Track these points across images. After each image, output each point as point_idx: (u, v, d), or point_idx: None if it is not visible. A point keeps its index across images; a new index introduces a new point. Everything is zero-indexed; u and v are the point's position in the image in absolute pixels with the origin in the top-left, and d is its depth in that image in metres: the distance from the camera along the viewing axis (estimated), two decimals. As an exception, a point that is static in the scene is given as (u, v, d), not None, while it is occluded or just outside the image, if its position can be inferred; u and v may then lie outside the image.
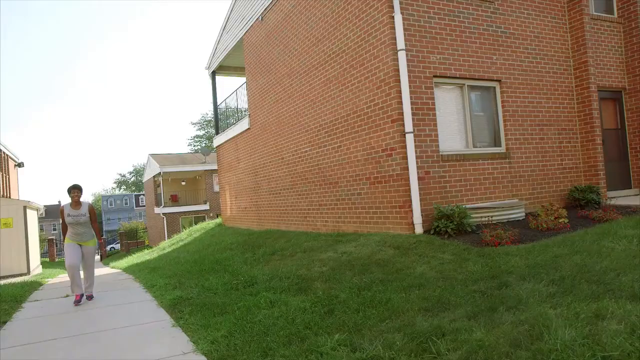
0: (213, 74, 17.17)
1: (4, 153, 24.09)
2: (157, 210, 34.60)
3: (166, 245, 17.54)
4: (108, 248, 52.23)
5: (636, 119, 10.07)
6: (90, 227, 6.92)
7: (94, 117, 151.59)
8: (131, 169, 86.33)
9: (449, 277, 4.87)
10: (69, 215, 6.72)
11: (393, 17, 7.40)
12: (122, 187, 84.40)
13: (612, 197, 9.42)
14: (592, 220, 7.30)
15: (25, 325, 5.73)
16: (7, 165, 25.40)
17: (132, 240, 41.05)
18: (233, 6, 14.56)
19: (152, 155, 36.35)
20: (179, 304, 5.88)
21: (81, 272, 7.00)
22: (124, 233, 40.40)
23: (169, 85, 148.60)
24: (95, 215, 6.94)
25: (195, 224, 21.67)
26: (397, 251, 6.15)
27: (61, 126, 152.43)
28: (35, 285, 9.48)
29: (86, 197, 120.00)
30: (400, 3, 7.49)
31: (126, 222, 54.32)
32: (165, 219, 33.01)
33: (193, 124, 59.52)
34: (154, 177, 35.78)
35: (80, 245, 6.84)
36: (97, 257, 39.51)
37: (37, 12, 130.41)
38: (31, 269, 14.95)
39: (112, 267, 16.06)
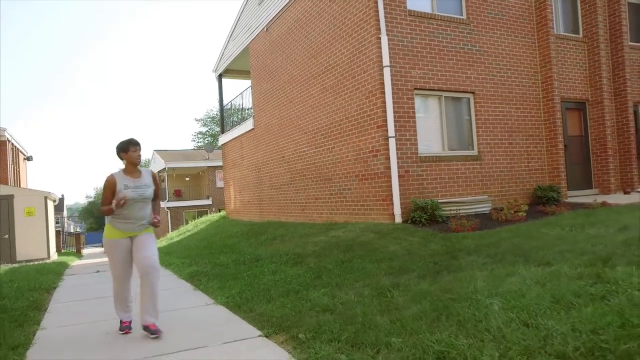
0: (220, 77, 18.44)
1: (15, 146, 25.37)
2: (161, 204, 35.88)
3: (174, 235, 18.84)
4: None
5: (597, 127, 11.35)
6: (150, 207, 4.43)
7: (97, 113, 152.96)
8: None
9: (413, 253, 6.17)
10: (126, 187, 4.14)
11: (380, 38, 8.68)
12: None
13: (573, 196, 10.71)
14: (546, 214, 8.59)
15: (72, 289, 7.03)
16: (18, 158, 26.68)
17: (135, 234, 42.27)
18: (240, 16, 15.82)
19: (157, 151, 37.65)
20: (196, 275, 7.17)
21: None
22: (128, 226, 41.73)
23: (174, 82, 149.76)
24: (159, 188, 4.56)
25: (199, 218, 22.96)
26: (377, 235, 7.45)
27: (65, 122, 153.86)
28: (65, 265, 10.79)
29: (89, 192, 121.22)
30: (386, 26, 8.77)
31: (129, 216, 55.49)
32: (169, 213, 34.31)
33: (197, 120, 60.72)
34: (158, 172, 37.07)
35: (131, 238, 4.31)
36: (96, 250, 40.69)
37: (40, 9, 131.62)
38: (50, 255, 16.25)
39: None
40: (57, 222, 74.39)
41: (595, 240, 5.88)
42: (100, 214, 4.44)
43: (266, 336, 3.92)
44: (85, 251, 39.90)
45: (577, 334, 3.06)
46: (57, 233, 35.75)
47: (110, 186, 4.16)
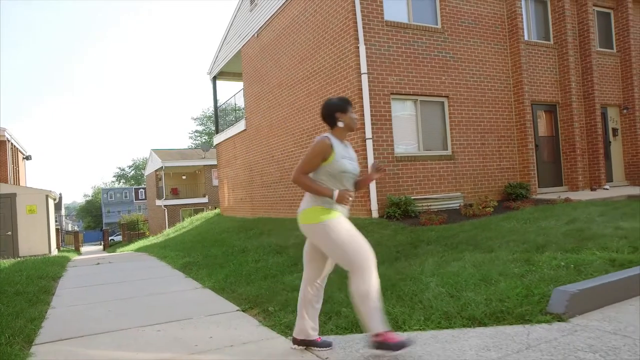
0: (214, 79, 19.13)
1: (14, 146, 26.00)
2: (158, 202, 36.60)
3: (170, 231, 19.57)
4: (109, 239, 54.25)
5: (567, 128, 12.09)
6: None
7: (93, 113, 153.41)
8: (130, 163, 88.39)
9: (381, 244, 6.91)
10: (343, 157, 3.15)
11: (358, 47, 9.40)
12: (122, 181, 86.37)
13: (543, 193, 11.45)
14: (511, 209, 9.32)
15: (76, 278, 7.76)
16: (17, 157, 27.34)
17: (133, 232, 43.07)
18: (233, 21, 16.52)
19: (155, 150, 38.34)
20: (188, 266, 7.90)
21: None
22: (125, 224, 42.44)
23: (171, 82, 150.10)
24: None
25: (195, 215, 23.68)
26: (352, 228, 8.19)
27: (61, 121, 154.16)
28: (67, 259, 11.51)
29: (87, 191, 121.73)
30: (364, 35, 9.49)
31: (126, 215, 56.33)
32: (166, 210, 35.01)
33: (194, 119, 61.42)
34: (155, 171, 37.78)
35: None
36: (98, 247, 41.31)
37: (40, 6, 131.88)
38: (51, 251, 16.97)
39: (122, 251, 18.11)
40: (55, 221, 74.96)
41: (542, 231, 6.63)
42: (295, 182, 2.98)
43: (243, 310, 4.66)
44: (84, 249, 40.65)
45: (488, 302, 3.80)
46: (57, 231, 36.56)
47: (323, 151, 3.04)
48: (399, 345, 2.91)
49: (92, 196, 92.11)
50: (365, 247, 3.08)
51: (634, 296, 3.90)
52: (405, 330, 3.56)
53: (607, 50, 13.06)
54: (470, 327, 3.52)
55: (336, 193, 3.04)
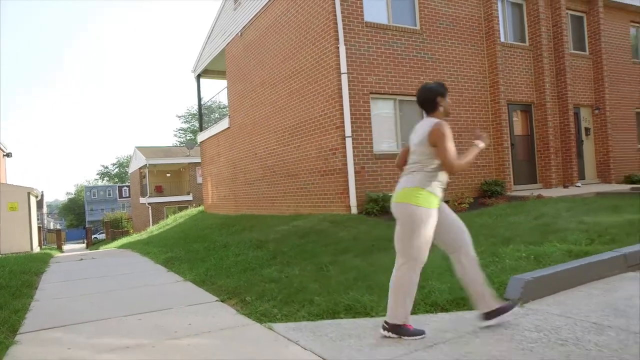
0: (198, 77, 19.22)
1: (-5, 143, 25.76)
2: (142, 200, 36.49)
3: (154, 229, 19.63)
4: (92, 237, 53.83)
5: (541, 127, 12.47)
6: None
7: (75, 110, 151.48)
8: (114, 161, 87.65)
9: (358, 238, 7.16)
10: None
11: (338, 47, 9.63)
12: (105, 179, 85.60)
13: (518, 190, 11.82)
14: (485, 206, 9.66)
15: (58, 273, 7.87)
16: (-2, 154, 27.10)
17: (116, 229, 42.87)
18: (217, 20, 16.64)
19: (139, 147, 38.20)
20: (170, 260, 8.06)
21: None
22: (108, 222, 42.25)
23: (155, 79, 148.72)
24: None
25: (179, 213, 23.74)
26: (332, 224, 8.43)
27: (43, 118, 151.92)
28: (49, 255, 11.58)
29: (69, 189, 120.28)
30: (345, 36, 9.73)
31: (110, 213, 55.96)
32: (150, 208, 34.94)
33: (179, 116, 61.18)
34: (139, 168, 37.64)
35: None
36: (83, 245, 40.97)
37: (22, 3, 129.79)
38: (33, 248, 16.94)
39: (106, 248, 18.14)
40: (37, 219, 74.05)
41: (511, 226, 6.95)
42: (457, 170, 2.99)
43: (222, 301, 4.86)
44: (66, 247, 40.35)
45: (451, 290, 4.07)
46: (38, 229, 36.23)
47: (448, 133, 3.16)
48: (414, 333, 3.19)
49: (75, 194, 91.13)
50: (427, 248, 3.21)
51: (585, 283, 4.20)
52: (372, 317, 3.80)
53: (580, 53, 13.49)
54: (433, 312, 3.78)
55: (482, 145, 3.42)
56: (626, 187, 11.38)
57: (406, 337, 3.14)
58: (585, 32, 13.76)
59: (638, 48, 15.24)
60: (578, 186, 12.19)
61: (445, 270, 4.63)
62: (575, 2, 13.54)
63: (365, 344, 3.19)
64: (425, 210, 3.12)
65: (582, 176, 13.00)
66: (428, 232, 3.15)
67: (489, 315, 3.24)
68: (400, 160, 3.58)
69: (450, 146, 3.10)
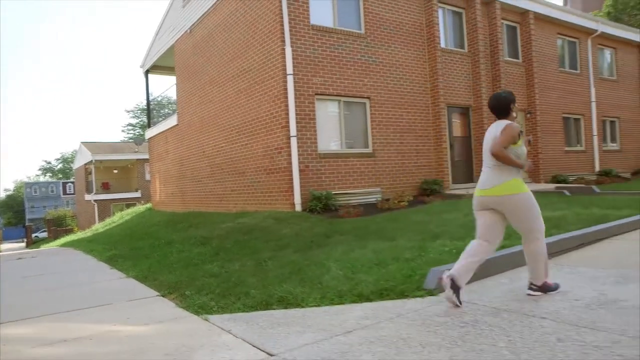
0: (147, 73, 18.94)
1: None
2: (87, 197, 35.37)
3: (99, 226, 19.21)
4: (32, 236, 51.51)
5: (478, 129, 13.19)
6: None
7: (16, 104, 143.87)
8: (58, 156, 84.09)
9: (299, 235, 7.46)
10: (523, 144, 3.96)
11: (284, 49, 9.88)
12: (48, 175, 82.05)
13: (456, 188, 12.47)
14: (424, 203, 10.19)
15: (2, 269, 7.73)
16: None
17: (60, 228, 41.24)
18: (167, 15, 16.48)
19: (84, 143, 36.98)
20: (114, 258, 8.08)
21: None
22: (51, 220, 40.60)
23: (102, 73, 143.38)
24: None
25: (126, 210, 23.26)
26: (275, 221, 8.69)
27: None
28: (-14, 253, 11.19)
29: (8, 185, 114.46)
30: (291, 38, 9.99)
31: (52, 210, 53.70)
32: (96, 205, 33.93)
33: (128, 111, 59.55)
34: (85, 164, 36.43)
35: None
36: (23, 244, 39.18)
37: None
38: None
39: (47, 247, 17.60)
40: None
41: (443, 222, 7.44)
42: (497, 153, 3.58)
43: (162, 295, 5.03)
44: (4, 246, 38.58)
45: (376, 282, 4.42)
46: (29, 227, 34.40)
47: (516, 135, 3.75)
48: (554, 288, 3.85)
49: (13, 190, 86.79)
50: (541, 217, 3.85)
51: (497, 274, 4.66)
52: (302, 307, 4.09)
53: (514, 60, 14.36)
54: (358, 302, 4.11)
55: (527, 164, 3.89)
56: (551, 186, 12.27)
57: (550, 292, 3.82)
58: (519, 41, 14.65)
59: (564, 58, 16.38)
60: (511, 185, 12.99)
61: (375, 265, 5.00)
62: (510, 13, 14.39)
63: (292, 331, 3.47)
64: (528, 194, 3.80)
65: (515, 176, 13.83)
66: (537, 206, 3.82)
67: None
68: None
69: (506, 139, 3.71)
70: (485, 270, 4.62)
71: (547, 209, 7.92)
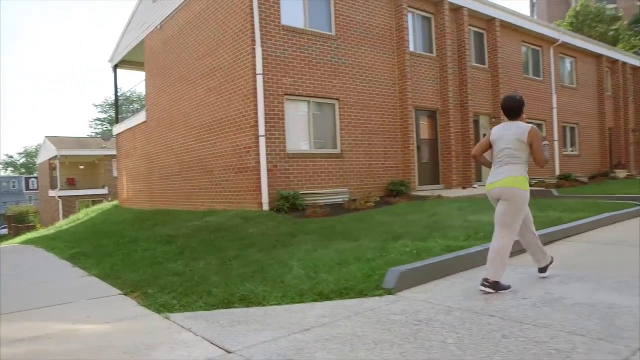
0: (115, 67, 18.61)
1: None
2: (52, 193, 34.47)
3: (63, 223, 18.77)
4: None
5: (445, 132, 13.51)
6: None
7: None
8: (21, 150, 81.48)
9: (265, 234, 7.52)
10: None
11: (254, 48, 9.91)
12: (10, 169, 79.44)
13: (423, 190, 12.74)
14: (390, 204, 10.37)
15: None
16: None
17: (21, 224, 40.01)
18: (137, 9, 16.24)
19: (49, 137, 36.02)
20: (76, 256, 7.96)
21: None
22: (12, 216, 39.35)
23: (70, 66, 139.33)
24: None
25: (92, 207, 22.79)
26: (242, 220, 8.72)
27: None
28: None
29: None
30: (261, 38, 10.02)
31: (14, 206, 52.02)
32: (60, 202, 33.11)
33: (96, 106, 58.24)
34: (49, 159, 35.49)
35: None
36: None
37: None
38: None
39: (7, 244, 17.09)
40: None
41: (406, 223, 7.61)
42: (546, 164, 4.18)
43: (125, 294, 5.02)
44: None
45: (337, 281, 4.53)
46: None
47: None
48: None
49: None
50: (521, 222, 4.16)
51: (453, 274, 4.84)
52: (264, 305, 4.17)
53: (480, 66, 14.75)
54: (319, 301, 4.20)
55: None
56: (514, 189, 12.64)
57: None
58: (485, 48, 15.05)
59: (528, 65, 16.92)
60: (475, 187, 13.35)
61: (337, 264, 5.11)
62: (477, 20, 14.77)
63: (252, 329, 3.54)
64: (527, 193, 4.11)
65: (479, 178, 14.22)
66: (526, 209, 4.17)
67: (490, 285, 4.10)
68: (478, 152, 4.47)
69: (541, 145, 4.08)
70: (442, 271, 4.80)
71: (507, 211, 8.22)
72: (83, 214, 19.21)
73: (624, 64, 21.99)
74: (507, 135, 4.15)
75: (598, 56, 20.36)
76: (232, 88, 10.60)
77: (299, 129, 10.77)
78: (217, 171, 11.33)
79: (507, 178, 4.08)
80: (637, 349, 2.71)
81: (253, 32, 9.94)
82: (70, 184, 35.73)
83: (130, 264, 6.44)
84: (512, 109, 4.23)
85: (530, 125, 4.08)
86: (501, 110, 4.34)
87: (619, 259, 5.15)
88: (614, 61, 21.35)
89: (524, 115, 4.25)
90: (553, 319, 3.28)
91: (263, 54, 10.00)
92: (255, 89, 9.84)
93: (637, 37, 40.89)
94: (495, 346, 2.88)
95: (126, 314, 4.21)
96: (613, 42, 34.86)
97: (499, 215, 4.17)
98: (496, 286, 4.04)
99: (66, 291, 5.34)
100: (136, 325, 3.87)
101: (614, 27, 39.39)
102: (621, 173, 19.21)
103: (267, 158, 9.84)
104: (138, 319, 4.05)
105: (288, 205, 9.46)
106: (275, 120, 10.12)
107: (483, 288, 4.05)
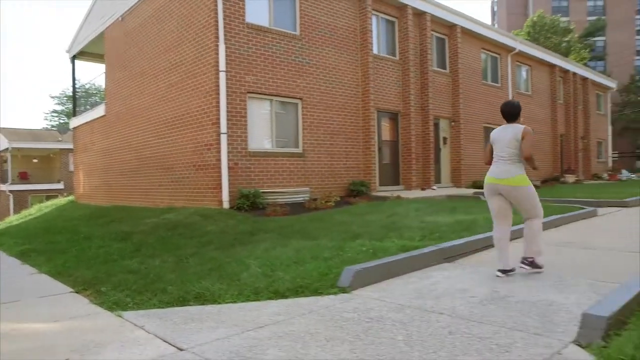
0: (73, 58, 18.03)
1: None
2: (2, 187, 33.06)
3: (13, 219, 18.06)
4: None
5: (406, 134, 13.77)
6: None
7: None
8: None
9: (224, 232, 7.49)
10: None
11: (218, 45, 9.84)
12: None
13: (383, 190, 12.94)
14: (350, 204, 10.50)
15: None
16: None
17: (-31, 219, 38.22)
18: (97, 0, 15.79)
19: (0, 128, 34.47)
20: (26, 252, 7.70)
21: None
22: (-40, 210, 37.51)
23: (24, 54, 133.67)
24: None
25: (46, 202, 22.01)
26: (202, 218, 8.65)
27: None
28: None
29: None
30: (225, 35, 9.95)
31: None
32: (11, 196, 31.81)
33: (52, 97, 56.21)
34: (0, 152, 34.02)
35: None
36: None
37: None
38: None
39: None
40: None
41: (365, 223, 7.74)
42: (531, 156, 4.72)
43: (76, 292, 4.91)
44: None
45: (293, 279, 4.58)
46: None
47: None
48: (540, 267, 4.66)
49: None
50: (540, 202, 4.75)
51: (407, 273, 4.97)
52: (219, 303, 4.17)
53: (441, 70, 15.11)
54: (274, 299, 4.24)
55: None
56: (470, 192, 13.05)
57: (538, 270, 4.65)
58: (447, 53, 15.43)
59: (487, 71, 17.47)
60: (434, 189, 13.68)
61: (294, 263, 5.16)
62: (440, 26, 15.12)
63: (205, 326, 3.55)
64: (531, 187, 4.70)
65: (438, 180, 14.58)
66: (537, 195, 4.73)
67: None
68: (488, 158, 5.00)
69: (532, 143, 4.67)
70: (396, 270, 4.93)
71: (461, 213, 8.48)
72: (36, 210, 18.52)
73: (575, 74, 23.03)
74: (507, 136, 4.68)
75: (552, 66, 21.22)
76: (194, 84, 10.48)
77: (262, 127, 10.76)
78: (177, 168, 11.18)
79: (517, 177, 4.62)
80: (568, 342, 2.88)
81: (217, 29, 9.86)
82: (23, 178, 34.38)
83: (83, 261, 6.29)
84: (512, 113, 4.77)
85: (526, 126, 4.66)
86: (501, 114, 4.84)
87: (565, 259, 5.41)
88: (566, 71, 22.31)
89: (521, 119, 4.79)
90: (497, 316, 3.44)
91: (227, 51, 9.93)
92: (217, 86, 9.77)
93: (587, 50, 42.89)
94: (442, 342, 3.00)
95: (78, 312, 4.14)
96: (565, 54, 36.39)
97: (520, 209, 4.74)
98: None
99: (14, 289, 5.18)
100: (87, 324, 3.81)
101: (566, 39, 41.16)
102: (570, 178, 20.12)
103: (228, 156, 9.79)
104: (89, 317, 3.98)
105: (248, 203, 9.44)
106: (238, 118, 10.08)
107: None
